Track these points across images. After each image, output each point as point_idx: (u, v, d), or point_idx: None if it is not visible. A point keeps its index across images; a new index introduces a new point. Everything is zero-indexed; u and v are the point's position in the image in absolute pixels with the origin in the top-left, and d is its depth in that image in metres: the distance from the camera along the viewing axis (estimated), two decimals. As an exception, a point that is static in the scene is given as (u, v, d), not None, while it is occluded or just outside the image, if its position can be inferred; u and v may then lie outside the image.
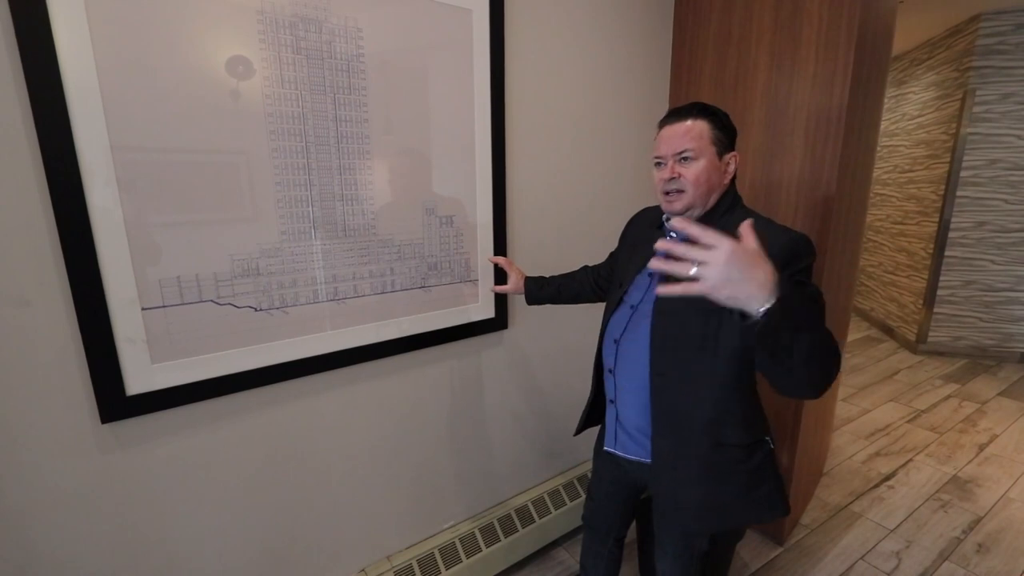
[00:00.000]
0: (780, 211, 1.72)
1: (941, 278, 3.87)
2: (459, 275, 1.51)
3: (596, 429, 1.32)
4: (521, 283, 1.44)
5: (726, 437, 0.98)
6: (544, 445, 1.91)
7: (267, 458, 1.28)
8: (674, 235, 1.05)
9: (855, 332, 4.58)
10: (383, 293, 1.37)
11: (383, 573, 1.48)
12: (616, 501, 1.28)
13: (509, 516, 1.75)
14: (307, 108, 1.16)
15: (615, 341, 1.09)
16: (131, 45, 0.95)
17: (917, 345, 4.04)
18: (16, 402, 0.96)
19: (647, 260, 1.05)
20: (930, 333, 3.99)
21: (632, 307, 1.05)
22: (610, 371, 1.12)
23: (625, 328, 1.06)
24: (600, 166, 1.82)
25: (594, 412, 1.26)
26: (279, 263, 1.18)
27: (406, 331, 1.43)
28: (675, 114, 1.01)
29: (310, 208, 1.21)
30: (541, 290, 1.42)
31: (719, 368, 0.95)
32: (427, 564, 1.54)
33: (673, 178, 0.98)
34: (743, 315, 0.71)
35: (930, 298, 3.94)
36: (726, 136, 0.99)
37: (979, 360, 3.89)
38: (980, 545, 1.94)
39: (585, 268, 1.44)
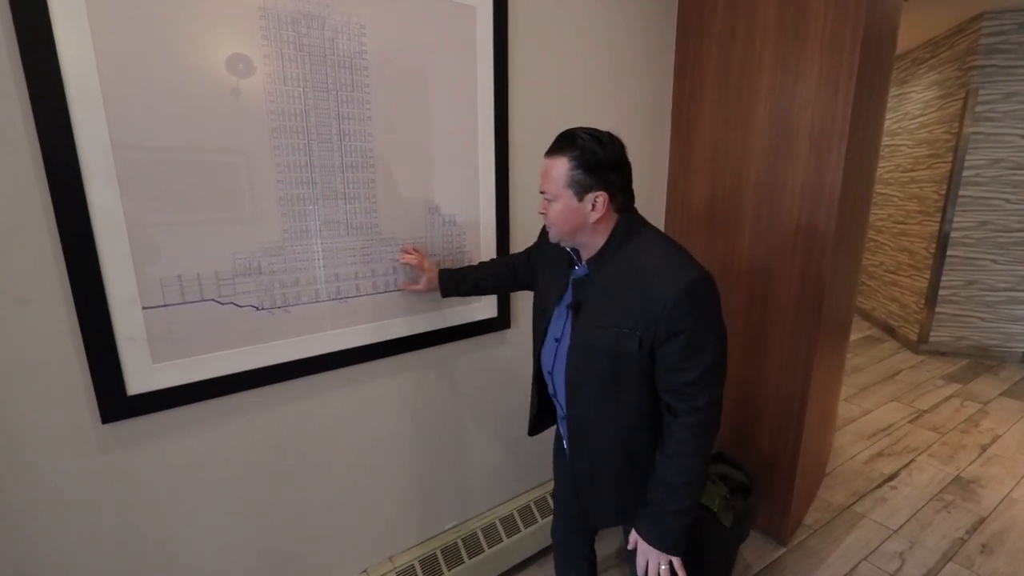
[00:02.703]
0: (784, 211, 1.71)
1: (943, 278, 3.86)
2: (462, 274, 1.50)
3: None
4: (435, 279, 1.35)
5: (636, 455, 1.02)
6: (547, 444, 1.90)
7: (269, 458, 1.27)
8: (577, 268, 1.03)
9: (857, 332, 4.57)
10: (385, 292, 1.36)
11: (385, 574, 1.47)
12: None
13: (512, 516, 1.74)
14: (310, 106, 1.15)
15: (549, 374, 1.11)
16: (132, 42, 0.94)
17: (919, 345, 4.03)
18: (17, 402, 0.95)
19: (563, 292, 1.05)
20: (932, 333, 3.98)
21: (556, 340, 1.06)
22: (554, 397, 1.14)
23: (555, 361, 1.08)
24: (603, 165, 1.81)
25: (544, 416, 1.26)
26: (281, 262, 1.18)
27: (408, 331, 1.42)
28: (550, 147, 0.96)
29: (313, 206, 1.20)
30: (459, 286, 1.34)
31: (627, 400, 0.97)
32: (429, 565, 1.53)
33: (543, 213, 0.99)
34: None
35: (932, 298, 3.93)
36: (589, 175, 0.91)
37: (981, 360, 3.88)
38: (984, 546, 1.93)
39: (499, 261, 1.37)
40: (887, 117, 4.52)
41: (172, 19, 0.97)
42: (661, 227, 2.10)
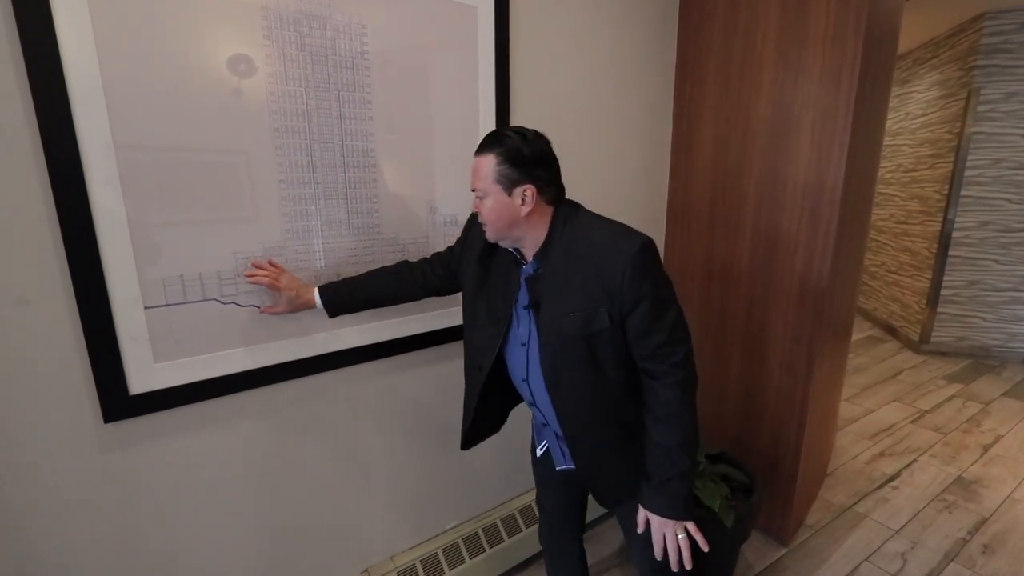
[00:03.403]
0: (786, 210, 1.71)
1: (944, 278, 3.86)
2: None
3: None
4: (302, 298, 1.15)
5: (629, 425, 1.04)
6: (547, 445, 1.90)
7: (270, 458, 1.27)
8: (525, 267, 1.02)
9: (858, 332, 4.57)
10: (387, 292, 1.36)
11: (386, 573, 1.47)
12: (574, 507, 1.30)
13: (513, 516, 1.74)
14: (311, 106, 1.15)
15: (524, 380, 1.08)
16: (135, 42, 0.94)
17: (920, 345, 4.03)
18: (18, 401, 0.95)
19: (516, 294, 1.03)
20: (933, 333, 3.97)
21: (523, 345, 1.05)
22: (532, 404, 1.13)
23: (527, 366, 1.06)
24: (604, 163, 1.81)
25: (478, 431, 1.23)
26: (283, 262, 1.18)
27: (410, 330, 1.43)
28: (478, 146, 0.97)
29: (314, 206, 1.20)
30: (352, 298, 1.19)
31: (609, 377, 0.99)
32: (430, 564, 1.53)
33: (478, 211, 0.99)
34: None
35: (933, 298, 3.93)
36: (515, 169, 0.92)
37: (982, 360, 3.87)
38: (986, 547, 1.93)
39: (400, 269, 1.24)
40: (889, 117, 4.52)
41: (174, 19, 0.97)
42: (662, 227, 2.11)
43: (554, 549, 1.36)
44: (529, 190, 0.94)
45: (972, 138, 3.60)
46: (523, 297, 1.02)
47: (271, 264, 1.16)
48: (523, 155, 0.93)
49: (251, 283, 1.14)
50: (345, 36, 1.18)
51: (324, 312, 1.18)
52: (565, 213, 0.99)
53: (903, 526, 2.04)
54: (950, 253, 3.81)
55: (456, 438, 1.62)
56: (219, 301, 1.11)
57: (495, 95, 1.45)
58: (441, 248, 1.43)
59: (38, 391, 0.96)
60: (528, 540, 1.73)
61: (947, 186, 3.77)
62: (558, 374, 1.00)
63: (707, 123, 1.91)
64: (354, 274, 1.25)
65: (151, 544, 1.14)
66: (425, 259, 1.26)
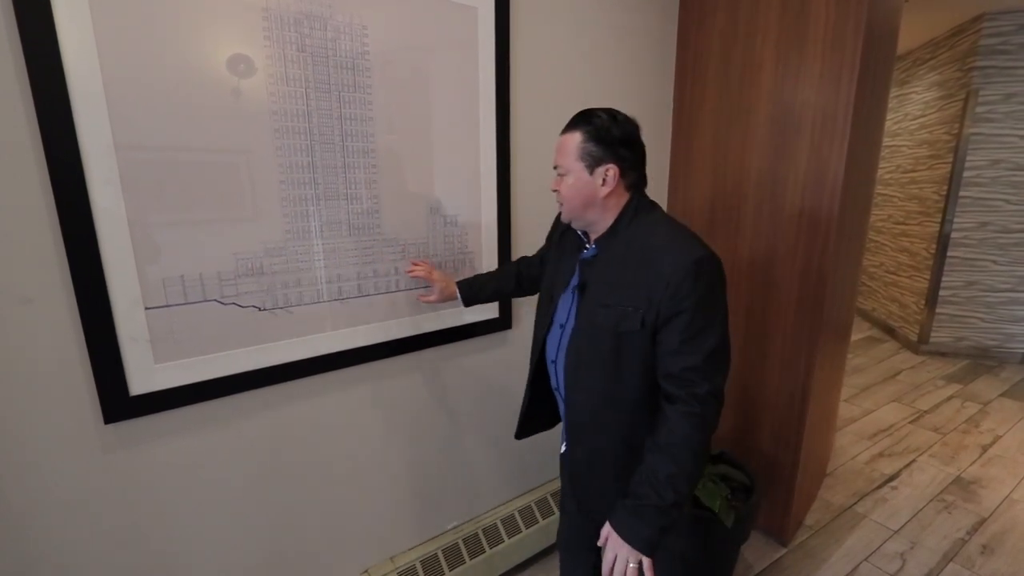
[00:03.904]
0: (785, 211, 1.71)
1: (943, 278, 3.87)
2: (464, 275, 1.50)
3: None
4: (447, 290, 1.34)
5: (638, 447, 0.97)
6: (547, 446, 1.90)
7: (270, 458, 1.27)
8: (586, 250, 1.03)
9: (857, 332, 4.57)
10: (387, 292, 1.36)
11: (387, 573, 1.47)
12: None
13: (513, 517, 1.74)
14: (312, 106, 1.15)
15: (552, 362, 1.08)
16: (135, 42, 0.94)
17: (919, 345, 4.03)
18: (18, 401, 0.95)
19: (571, 275, 1.04)
20: (932, 333, 3.98)
21: (561, 326, 1.05)
22: (556, 390, 1.11)
23: (559, 347, 1.05)
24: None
25: (535, 419, 1.23)
26: (283, 262, 1.18)
27: (410, 331, 1.43)
28: (567, 124, 0.98)
29: (315, 207, 1.20)
30: (479, 293, 1.36)
31: (629, 386, 0.95)
32: (431, 565, 1.53)
33: (556, 190, 1.00)
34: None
35: (932, 298, 3.93)
36: (601, 148, 0.93)
37: (981, 361, 3.88)
38: (984, 547, 1.93)
39: (516, 266, 1.38)
40: (887, 118, 4.52)
41: (175, 19, 0.97)
42: (662, 227, 2.10)
43: (571, 546, 1.33)
44: (612, 170, 0.93)
45: (971, 139, 3.61)
46: (575, 279, 1.03)
47: (424, 262, 1.37)
48: (611, 135, 0.93)
49: (412, 277, 1.35)
50: (346, 37, 1.18)
51: (461, 302, 1.36)
52: (639, 205, 0.97)
53: (902, 526, 2.05)
54: (948, 254, 3.82)
55: (455, 438, 1.63)
56: (220, 302, 1.11)
57: (495, 95, 1.45)
58: (440, 248, 1.44)
59: (38, 391, 0.96)
60: (528, 541, 1.73)
61: (946, 187, 3.77)
62: (579, 361, 0.99)
63: (707, 124, 1.91)
64: (356, 274, 1.29)
65: (151, 544, 1.14)
66: (532, 257, 1.35)
